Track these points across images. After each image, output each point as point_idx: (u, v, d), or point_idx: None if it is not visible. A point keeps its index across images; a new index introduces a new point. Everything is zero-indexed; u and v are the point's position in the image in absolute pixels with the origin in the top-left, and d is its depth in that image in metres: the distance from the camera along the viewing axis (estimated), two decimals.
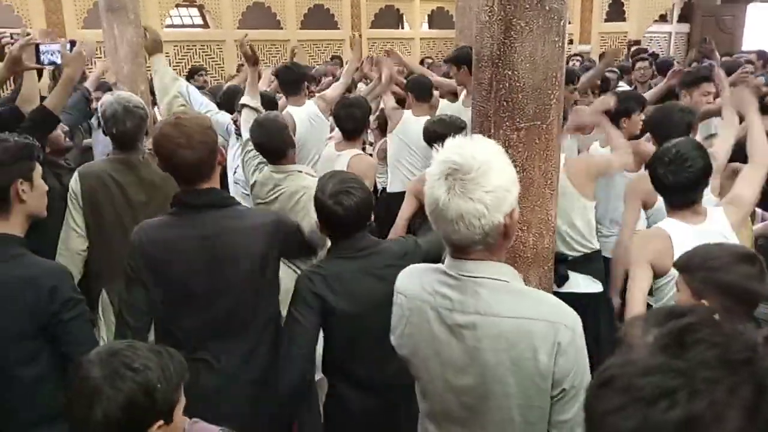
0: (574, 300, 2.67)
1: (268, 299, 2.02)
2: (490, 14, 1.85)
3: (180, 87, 3.47)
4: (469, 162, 1.24)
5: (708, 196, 2.43)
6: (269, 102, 3.77)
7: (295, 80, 4.23)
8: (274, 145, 2.76)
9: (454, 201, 1.23)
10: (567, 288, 2.80)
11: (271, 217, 2.02)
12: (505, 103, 1.88)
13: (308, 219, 2.45)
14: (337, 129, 3.85)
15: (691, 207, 2.23)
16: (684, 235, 2.13)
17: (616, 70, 8.06)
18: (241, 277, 1.90)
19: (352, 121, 3.50)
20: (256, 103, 3.12)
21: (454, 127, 3.07)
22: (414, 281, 1.46)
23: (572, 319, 1.32)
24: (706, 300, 1.70)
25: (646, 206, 2.83)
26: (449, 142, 1.32)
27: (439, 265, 1.43)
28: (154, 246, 1.86)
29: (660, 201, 2.78)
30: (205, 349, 1.90)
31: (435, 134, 3.08)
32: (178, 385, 1.29)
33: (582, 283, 2.86)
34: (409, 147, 4.38)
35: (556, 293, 2.67)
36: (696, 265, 1.74)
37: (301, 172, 2.82)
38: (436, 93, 4.99)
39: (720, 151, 2.71)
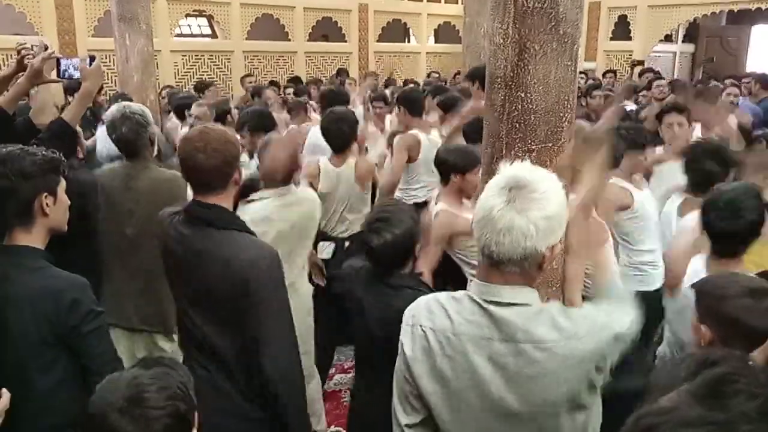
0: None
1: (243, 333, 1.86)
2: (504, 37, 1.87)
3: None
4: (538, 183, 1.27)
5: None
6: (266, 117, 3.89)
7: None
8: None
9: (509, 212, 1.25)
10: None
11: (265, 255, 1.88)
12: (517, 125, 1.89)
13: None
14: None
15: (734, 258, 2.14)
16: None
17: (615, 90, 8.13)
18: (216, 306, 1.87)
19: (342, 136, 3.51)
20: None
21: (467, 160, 2.93)
22: (436, 312, 1.42)
23: (606, 323, 1.38)
24: (706, 327, 1.69)
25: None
26: (518, 163, 1.35)
27: (460, 292, 1.42)
28: (166, 239, 1.96)
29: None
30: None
31: (442, 163, 3.04)
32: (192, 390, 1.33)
33: None
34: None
35: None
36: (705, 291, 1.73)
37: None
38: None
39: None
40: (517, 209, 1.24)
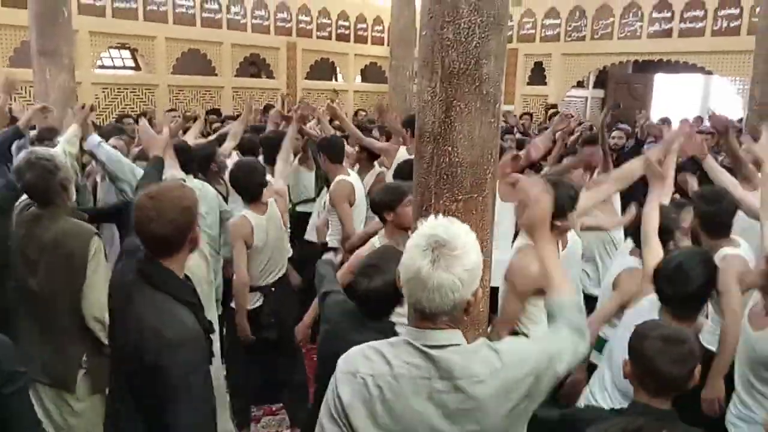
0: None
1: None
2: (432, 95, 2.00)
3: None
4: (455, 240, 1.36)
5: None
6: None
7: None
8: None
9: (437, 272, 1.34)
10: None
11: (187, 335, 1.75)
12: (445, 177, 2.02)
13: None
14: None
15: (688, 320, 2.29)
16: None
17: (528, 132, 8.58)
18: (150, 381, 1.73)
19: (251, 185, 3.47)
20: None
21: (399, 193, 3.01)
22: (374, 359, 1.47)
23: (535, 354, 1.49)
24: (627, 361, 1.86)
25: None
26: (433, 219, 1.42)
27: (395, 339, 1.49)
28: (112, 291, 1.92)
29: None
30: None
31: (383, 203, 3.12)
32: None
33: None
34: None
35: None
36: (635, 330, 1.88)
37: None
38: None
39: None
40: (443, 268, 1.34)
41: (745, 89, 8.46)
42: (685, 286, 2.26)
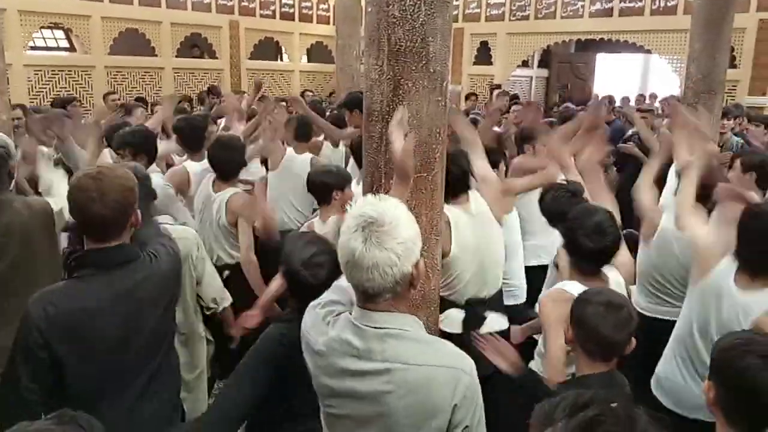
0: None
1: (169, 339, 2.09)
2: (380, 73, 1.98)
3: None
4: (383, 216, 1.35)
5: None
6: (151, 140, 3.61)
7: (200, 137, 4.05)
8: None
9: (370, 251, 1.33)
10: (484, 329, 2.71)
11: (175, 260, 2.08)
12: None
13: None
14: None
15: (598, 274, 2.30)
16: None
17: (480, 112, 8.66)
18: (153, 325, 1.93)
19: (230, 163, 3.41)
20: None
21: (342, 178, 3.14)
22: (320, 328, 1.51)
23: (470, 365, 1.45)
24: (569, 326, 1.90)
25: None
26: (362, 199, 1.42)
27: (346, 314, 1.50)
28: (73, 315, 1.74)
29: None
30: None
31: (323, 185, 3.13)
32: None
33: (495, 322, 2.84)
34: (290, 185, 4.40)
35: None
36: (577, 298, 1.93)
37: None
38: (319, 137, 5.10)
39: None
40: (375, 245, 1.34)
41: (681, 67, 8.72)
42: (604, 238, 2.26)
